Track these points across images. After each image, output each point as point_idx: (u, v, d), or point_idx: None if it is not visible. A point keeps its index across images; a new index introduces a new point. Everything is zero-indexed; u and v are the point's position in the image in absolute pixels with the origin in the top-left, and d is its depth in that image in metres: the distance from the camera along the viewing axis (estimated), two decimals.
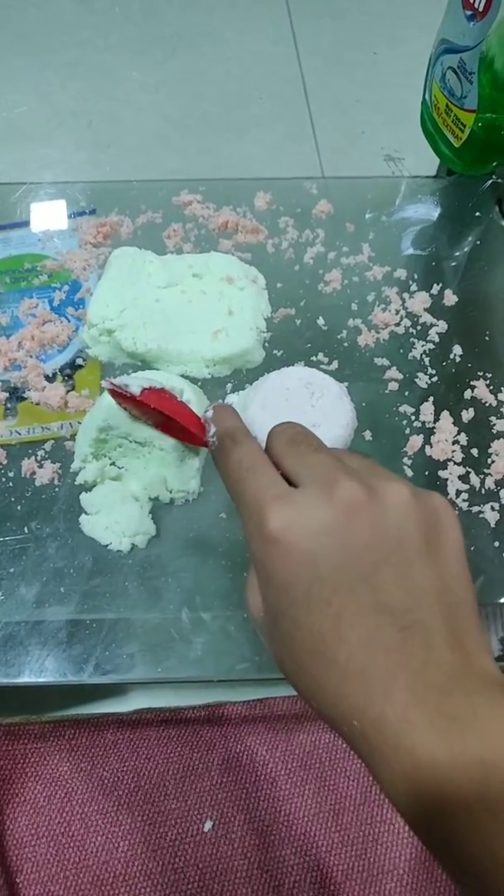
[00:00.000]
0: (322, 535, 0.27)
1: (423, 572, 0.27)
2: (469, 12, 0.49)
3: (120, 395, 0.41)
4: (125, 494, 0.44)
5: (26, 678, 0.40)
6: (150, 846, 0.43)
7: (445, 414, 0.48)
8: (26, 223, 0.57)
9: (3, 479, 0.46)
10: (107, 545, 0.43)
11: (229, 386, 0.48)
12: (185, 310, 0.49)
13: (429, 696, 0.25)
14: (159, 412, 0.39)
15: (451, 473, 0.46)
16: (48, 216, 0.58)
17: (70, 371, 0.50)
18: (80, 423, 0.46)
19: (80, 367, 0.51)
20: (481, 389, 0.49)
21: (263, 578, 0.29)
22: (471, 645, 0.27)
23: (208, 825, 0.44)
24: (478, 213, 0.58)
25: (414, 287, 0.53)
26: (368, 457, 0.32)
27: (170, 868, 0.43)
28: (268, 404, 0.39)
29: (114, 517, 0.44)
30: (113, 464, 0.45)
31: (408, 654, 0.26)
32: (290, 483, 0.30)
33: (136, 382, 0.40)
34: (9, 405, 0.49)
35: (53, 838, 0.43)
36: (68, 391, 0.49)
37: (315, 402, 0.41)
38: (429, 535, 0.28)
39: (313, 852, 0.43)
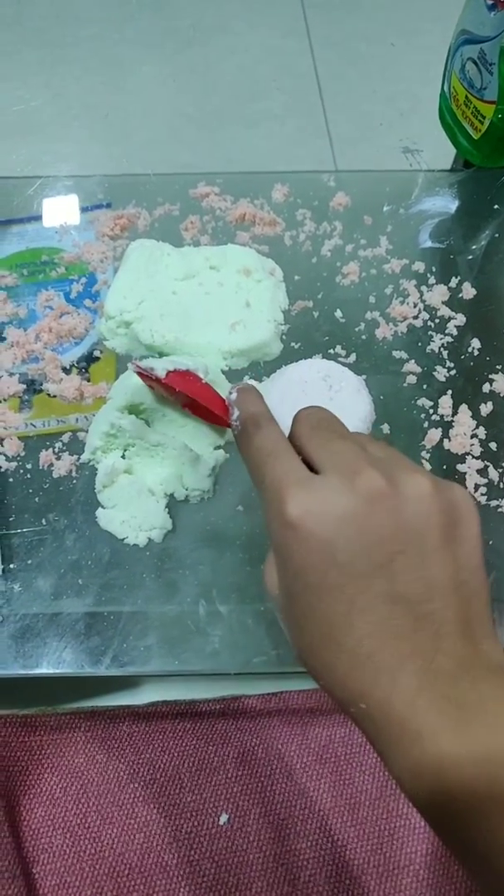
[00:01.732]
0: (341, 523, 0.27)
1: (439, 564, 0.28)
2: (490, 2, 0.49)
3: (146, 378, 0.41)
4: (142, 489, 0.44)
5: (44, 669, 0.41)
6: (165, 838, 0.43)
7: (464, 407, 0.47)
8: (43, 216, 0.57)
9: (21, 471, 0.46)
10: (123, 539, 0.43)
11: (246, 378, 0.48)
12: (203, 302, 0.49)
13: (436, 682, 0.25)
14: (184, 393, 0.40)
15: (470, 467, 0.45)
16: (64, 209, 0.57)
17: (86, 364, 0.50)
18: (94, 415, 0.46)
19: (97, 359, 0.51)
20: (500, 383, 0.48)
21: (281, 561, 0.29)
22: (481, 635, 0.27)
23: (224, 818, 0.44)
24: (496, 206, 0.57)
25: (432, 280, 0.53)
26: (392, 445, 0.32)
27: (185, 861, 0.43)
28: (286, 397, 0.39)
29: (130, 511, 0.44)
30: (125, 453, 0.45)
31: (418, 643, 0.26)
32: (313, 469, 0.30)
33: (161, 365, 0.40)
34: (25, 397, 0.49)
35: (69, 829, 0.44)
36: (83, 383, 0.49)
37: (333, 394, 0.41)
38: (447, 527, 0.28)
39: (329, 846, 0.43)
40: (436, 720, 0.25)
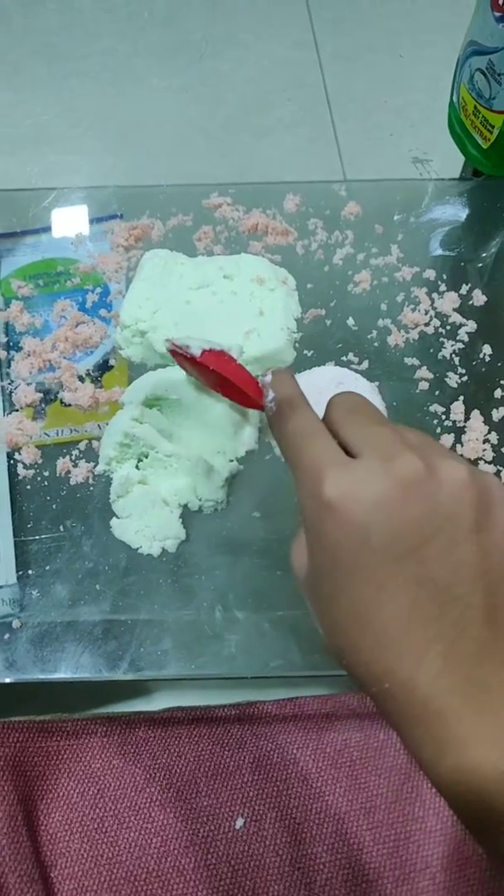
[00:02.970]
0: (376, 506, 0.28)
1: (470, 549, 0.28)
2: (498, 14, 0.49)
3: (180, 356, 0.41)
4: (156, 499, 0.45)
5: (62, 674, 0.41)
6: (182, 843, 0.43)
7: (476, 413, 0.48)
8: (58, 228, 0.58)
9: (39, 479, 0.46)
10: (137, 549, 0.44)
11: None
12: (217, 311, 0.50)
13: (460, 665, 0.26)
14: (217, 374, 0.39)
15: None
16: (79, 220, 0.58)
17: (100, 372, 0.51)
18: (108, 424, 0.47)
19: (111, 367, 0.51)
20: None
21: (313, 539, 0.29)
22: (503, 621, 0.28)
23: (240, 822, 0.44)
24: None
25: (443, 287, 0.53)
26: (426, 433, 0.32)
27: (202, 865, 0.43)
28: None
29: (144, 521, 0.44)
30: (139, 464, 0.46)
31: (443, 627, 0.27)
32: (347, 453, 0.30)
33: (196, 343, 0.40)
34: (39, 407, 0.50)
35: (87, 834, 0.44)
36: (98, 390, 0.50)
37: None
38: (480, 514, 0.29)
39: (345, 850, 0.43)
40: (457, 700, 0.26)
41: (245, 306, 0.50)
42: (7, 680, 0.41)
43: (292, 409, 0.33)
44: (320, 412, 0.35)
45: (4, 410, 0.50)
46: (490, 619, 0.27)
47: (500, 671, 0.26)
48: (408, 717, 0.27)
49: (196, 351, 0.40)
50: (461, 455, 0.47)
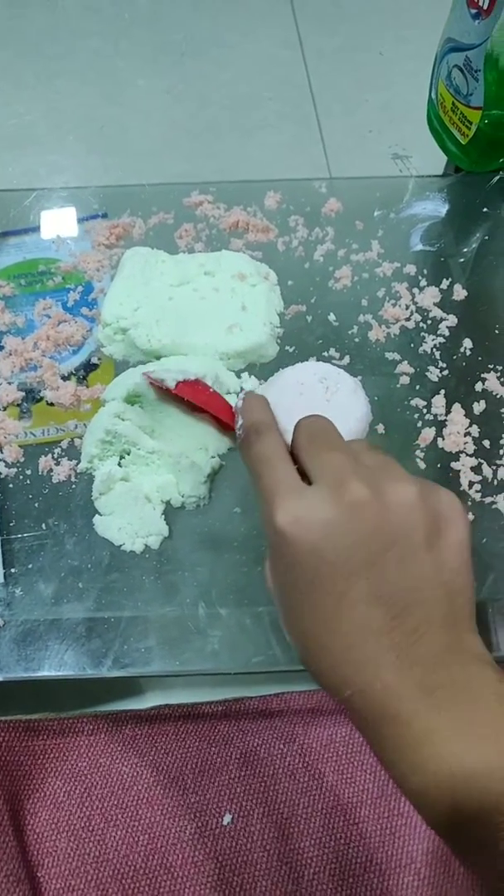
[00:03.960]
0: (326, 529, 0.30)
1: (421, 564, 0.30)
2: (474, 10, 0.50)
3: (157, 387, 0.43)
4: (138, 496, 0.45)
5: (46, 672, 0.41)
6: (169, 840, 0.43)
7: (457, 406, 0.48)
8: (39, 227, 0.58)
9: (21, 477, 0.46)
10: (120, 546, 0.44)
11: (244, 375, 0.48)
12: (199, 307, 0.50)
13: (413, 671, 0.28)
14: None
15: (464, 465, 0.46)
16: (61, 220, 0.58)
17: (85, 372, 0.51)
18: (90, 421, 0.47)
19: (95, 366, 0.51)
20: (492, 382, 0.49)
21: (275, 559, 0.32)
22: (462, 629, 0.30)
23: (227, 819, 0.44)
24: (485, 209, 0.58)
25: (423, 282, 0.54)
26: (388, 453, 0.33)
27: (190, 861, 0.43)
28: (282, 400, 0.40)
29: (127, 518, 0.44)
30: (121, 461, 0.46)
31: (399, 636, 0.29)
32: (308, 478, 0.32)
33: (171, 376, 0.42)
34: (24, 406, 0.50)
35: (74, 832, 0.44)
36: (80, 388, 0.50)
37: (330, 396, 0.41)
38: (430, 531, 0.30)
39: (332, 844, 0.43)
40: (415, 704, 0.27)
41: (227, 302, 0.50)
42: None
43: (258, 434, 0.35)
44: (304, 408, 0.36)
45: None
46: (448, 625, 0.29)
47: (461, 672, 0.28)
48: (368, 722, 0.28)
49: (171, 384, 0.41)
50: (441, 449, 0.47)
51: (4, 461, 0.47)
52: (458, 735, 0.27)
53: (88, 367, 0.51)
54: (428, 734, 0.27)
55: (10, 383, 0.50)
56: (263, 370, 0.50)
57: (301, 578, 0.30)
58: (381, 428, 0.47)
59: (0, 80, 0.98)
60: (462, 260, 0.55)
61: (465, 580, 0.31)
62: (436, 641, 0.29)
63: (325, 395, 0.41)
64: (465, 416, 0.48)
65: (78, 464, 0.46)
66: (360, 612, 0.29)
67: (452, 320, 0.52)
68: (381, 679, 0.28)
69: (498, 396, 0.49)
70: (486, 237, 0.57)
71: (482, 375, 0.49)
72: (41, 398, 0.50)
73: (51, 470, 0.46)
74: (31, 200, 0.59)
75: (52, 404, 0.50)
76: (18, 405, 0.50)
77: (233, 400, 0.44)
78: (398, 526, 0.30)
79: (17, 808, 0.44)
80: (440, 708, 0.27)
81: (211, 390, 0.42)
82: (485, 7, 0.49)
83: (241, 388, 0.45)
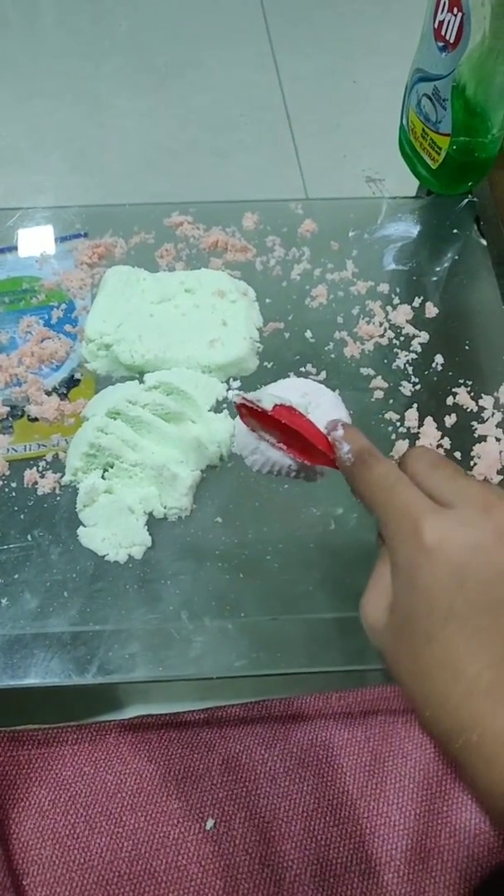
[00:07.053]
0: (474, 551, 0.28)
1: None
2: (441, 44, 0.52)
3: (249, 410, 0.40)
4: (122, 507, 0.46)
5: (32, 680, 0.42)
6: (153, 845, 0.44)
7: (429, 420, 0.50)
8: (23, 247, 0.59)
9: (6, 490, 0.47)
10: (104, 556, 0.45)
11: (234, 383, 0.49)
12: (180, 323, 0.51)
13: None
14: (285, 428, 0.39)
15: None
16: (44, 239, 0.60)
17: (66, 388, 0.52)
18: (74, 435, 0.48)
19: (77, 382, 0.53)
20: (462, 396, 0.51)
21: (406, 583, 0.30)
22: None
23: (210, 823, 0.45)
24: (455, 231, 0.60)
25: (396, 300, 0.56)
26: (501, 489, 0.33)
27: (173, 866, 0.44)
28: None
29: (111, 529, 0.45)
30: (104, 474, 0.47)
31: None
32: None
33: (268, 399, 0.40)
34: (7, 422, 0.51)
35: (58, 840, 0.44)
36: (63, 403, 0.51)
37: (312, 410, 0.42)
38: None
39: (313, 846, 0.44)
40: None
41: (208, 318, 0.52)
42: None
43: (375, 458, 0.34)
44: None
45: None
46: None
47: None
48: (497, 768, 0.26)
49: (268, 405, 0.40)
50: None
51: None
52: None
53: (71, 383, 0.53)
54: None
55: None
56: (245, 384, 0.51)
57: (438, 605, 0.28)
58: None
59: None
60: (434, 279, 0.58)
61: None
62: None
63: (307, 409, 0.43)
64: (437, 428, 0.50)
65: (62, 476, 0.47)
66: (499, 646, 0.27)
67: (424, 337, 0.54)
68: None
69: (468, 410, 0.51)
70: (457, 257, 0.59)
71: (453, 390, 0.51)
72: (23, 413, 0.51)
73: (36, 482, 0.47)
74: (14, 220, 0.60)
75: (35, 419, 0.51)
76: (1, 421, 0.51)
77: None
78: None
79: (2, 817, 0.44)
80: None
81: (307, 418, 0.40)
82: (451, 40, 0.51)
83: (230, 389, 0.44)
